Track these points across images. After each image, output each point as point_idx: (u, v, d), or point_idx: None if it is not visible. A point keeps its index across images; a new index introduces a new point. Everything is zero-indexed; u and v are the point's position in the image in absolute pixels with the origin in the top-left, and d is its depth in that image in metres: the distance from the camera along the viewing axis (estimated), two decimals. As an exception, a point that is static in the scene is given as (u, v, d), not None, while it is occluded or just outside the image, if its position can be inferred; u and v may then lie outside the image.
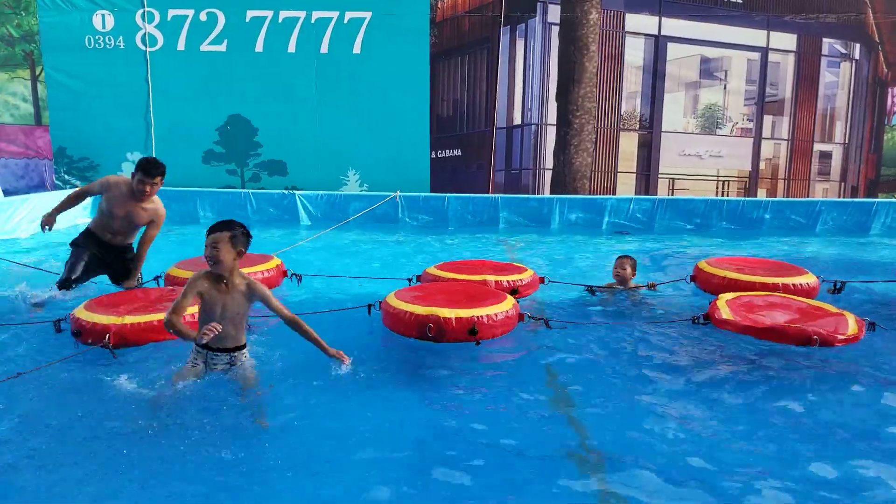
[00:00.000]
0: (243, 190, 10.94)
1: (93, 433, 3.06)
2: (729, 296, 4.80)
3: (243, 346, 3.69)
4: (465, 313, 4.16)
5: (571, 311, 5.33)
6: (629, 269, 5.77)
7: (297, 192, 10.66)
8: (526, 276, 5.49)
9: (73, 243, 5.55)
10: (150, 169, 5.27)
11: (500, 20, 13.01)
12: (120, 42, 10.91)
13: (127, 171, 11.23)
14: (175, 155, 11.15)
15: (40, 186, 11.70)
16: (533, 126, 15.45)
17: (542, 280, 5.75)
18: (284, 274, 5.80)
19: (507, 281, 5.31)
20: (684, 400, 3.63)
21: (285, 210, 10.57)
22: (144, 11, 10.83)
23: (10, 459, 2.84)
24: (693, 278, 5.89)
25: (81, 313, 4.21)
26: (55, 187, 11.18)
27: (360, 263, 7.40)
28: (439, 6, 13.00)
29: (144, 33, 10.91)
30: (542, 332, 4.65)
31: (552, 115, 14.18)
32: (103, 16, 10.82)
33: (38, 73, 11.52)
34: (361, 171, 11.33)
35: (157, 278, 5.72)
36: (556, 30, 13.89)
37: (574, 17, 12.54)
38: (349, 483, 2.74)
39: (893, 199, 11.16)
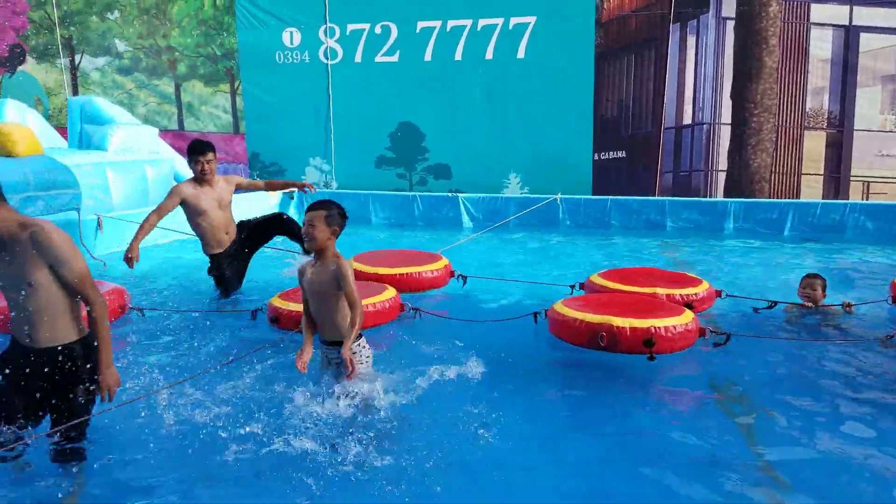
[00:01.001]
0: (411, 193, 11.48)
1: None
2: None
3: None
4: (640, 323, 4.03)
5: (754, 329, 4.93)
6: (819, 290, 5.21)
7: (460, 194, 11.02)
8: (702, 290, 5.16)
9: (213, 273, 5.84)
10: (198, 147, 5.57)
11: (670, 17, 12.57)
12: (305, 56, 11.91)
13: (310, 175, 12.24)
14: (351, 160, 12.02)
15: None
16: (705, 126, 14.74)
17: (718, 293, 5.38)
18: (451, 274, 6.04)
19: (681, 294, 5.00)
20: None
21: (449, 212, 10.96)
22: (327, 27, 11.74)
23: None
24: (894, 299, 5.31)
25: (278, 302, 4.75)
26: (248, 190, 12.42)
27: (520, 266, 7.48)
28: (605, 6, 12.82)
29: (326, 48, 11.82)
30: (725, 351, 4.37)
31: (726, 114, 13.45)
32: (291, 33, 11.86)
33: (236, 86, 12.86)
34: (523, 173, 11.47)
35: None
36: (730, 24, 13.15)
37: (751, 10, 11.83)
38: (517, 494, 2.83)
39: None
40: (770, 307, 5.29)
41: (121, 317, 5.09)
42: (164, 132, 12.77)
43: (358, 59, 11.76)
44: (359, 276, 5.70)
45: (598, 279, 5.46)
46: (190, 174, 5.71)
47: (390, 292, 5.06)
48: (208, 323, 5.14)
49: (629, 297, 4.85)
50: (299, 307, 4.56)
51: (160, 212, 5.45)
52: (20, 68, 14.44)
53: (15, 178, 6.56)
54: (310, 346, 3.55)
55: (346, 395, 3.38)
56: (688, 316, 4.25)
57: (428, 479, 2.83)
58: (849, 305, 5.26)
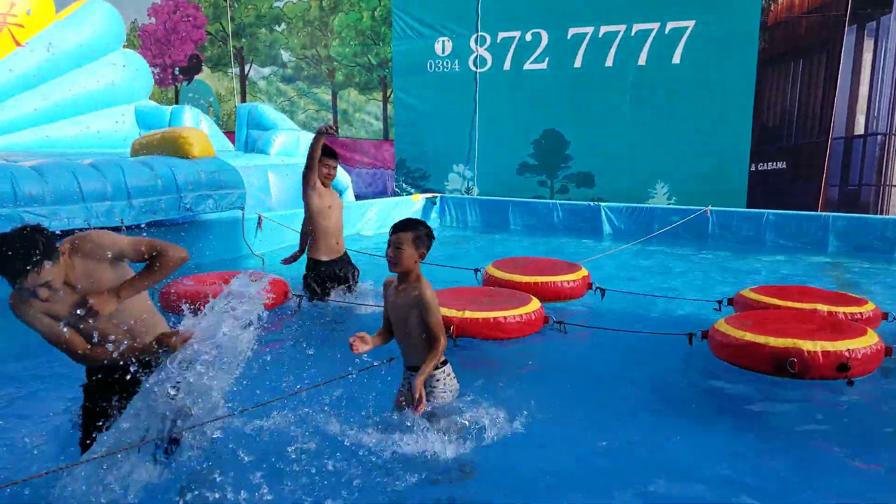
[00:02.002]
0: (551, 200, 11.41)
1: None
2: None
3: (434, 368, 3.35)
4: (832, 346, 3.75)
5: None
6: None
7: (601, 203, 10.80)
8: (866, 310, 4.79)
9: (308, 281, 5.76)
10: (330, 152, 5.79)
11: (846, 19, 11.59)
12: (455, 65, 12.18)
13: (453, 180, 12.50)
14: (493, 167, 12.15)
15: (383, 193, 13.62)
16: (879, 136, 13.43)
17: (885, 316, 4.95)
18: (590, 286, 5.93)
19: (843, 313, 4.68)
20: None
21: (589, 221, 10.78)
22: (478, 36, 11.94)
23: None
24: None
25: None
26: (394, 194, 12.92)
27: (662, 280, 7.24)
28: (772, 9, 12.03)
29: (476, 56, 12.03)
30: None
31: (906, 124, 12.18)
32: (443, 42, 12.19)
33: (388, 94, 13.41)
34: (670, 183, 11.04)
35: (476, 271, 6.35)
36: (917, 25, 11.89)
37: (943, 9, 10.64)
38: None
39: None
40: None
41: (283, 303, 5.49)
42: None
43: (507, 66, 11.85)
44: (494, 282, 5.77)
45: (749, 294, 5.17)
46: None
47: (535, 304, 5.00)
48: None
49: (793, 313, 4.55)
50: (448, 312, 4.67)
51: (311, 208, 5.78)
52: (196, 77, 15.94)
53: (190, 177, 7.26)
54: (373, 341, 3.33)
55: (415, 427, 3.17)
56: (873, 336, 3.94)
57: None
58: None
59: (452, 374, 3.40)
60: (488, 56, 11.96)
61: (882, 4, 13.16)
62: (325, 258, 5.76)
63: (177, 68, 16.05)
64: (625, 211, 10.61)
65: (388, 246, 3.31)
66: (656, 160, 11.04)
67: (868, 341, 3.84)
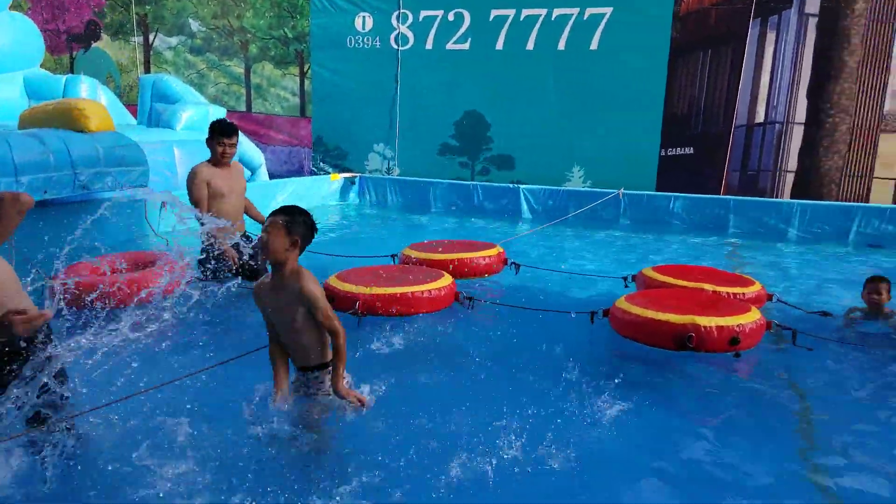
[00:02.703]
0: (472, 182, 11.51)
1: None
2: None
3: (321, 367, 3.16)
4: (724, 322, 3.98)
5: (813, 330, 4.83)
6: (885, 294, 5.03)
7: (521, 185, 10.98)
8: (752, 291, 5.09)
9: (203, 262, 5.07)
10: (225, 129, 5.20)
11: (751, 12, 12.17)
12: (376, 42, 12.03)
13: (373, 160, 12.39)
14: (414, 147, 12.12)
15: (299, 172, 13.34)
16: (777, 125, 14.22)
17: (769, 297, 5.31)
18: (505, 262, 6.08)
19: (729, 293, 4.96)
20: None
21: (509, 203, 10.94)
22: (400, 13, 11.81)
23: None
24: None
25: (335, 282, 4.87)
26: (311, 173, 12.69)
27: (577, 259, 7.48)
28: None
29: (398, 33, 11.91)
30: (786, 349, 4.38)
31: (800, 114, 12.96)
32: (364, 18, 11.99)
33: (305, 70, 13.09)
34: (586, 167, 11.33)
35: (393, 256, 6.31)
36: (813, 21, 12.64)
37: (836, 8, 11.36)
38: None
39: None
40: (823, 315, 5.23)
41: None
42: (231, 113, 13.10)
43: (429, 45, 11.80)
44: (412, 261, 5.81)
45: (650, 273, 5.44)
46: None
47: (446, 279, 5.07)
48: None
49: (688, 292, 4.81)
50: (355, 289, 4.68)
51: (202, 206, 5.15)
52: (94, 45, 15.00)
53: (86, 152, 6.82)
54: (284, 380, 3.14)
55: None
56: (756, 314, 4.22)
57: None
58: None
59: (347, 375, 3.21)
60: (410, 34, 11.86)
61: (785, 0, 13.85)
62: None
63: (70, 35, 15.05)
64: (543, 193, 10.82)
65: (262, 229, 3.04)
66: (573, 144, 11.29)
67: (753, 317, 4.11)
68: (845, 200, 12.91)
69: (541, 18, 11.22)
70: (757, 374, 4.20)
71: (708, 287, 5.00)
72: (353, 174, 11.88)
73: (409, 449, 2.97)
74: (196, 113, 10.09)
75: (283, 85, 13.46)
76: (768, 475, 2.96)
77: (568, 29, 11.14)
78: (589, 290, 5.93)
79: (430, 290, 4.82)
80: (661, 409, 3.61)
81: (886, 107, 14.75)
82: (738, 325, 3.97)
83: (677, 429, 3.42)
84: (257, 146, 11.22)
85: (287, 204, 3.15)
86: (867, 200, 13.90)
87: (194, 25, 14.18)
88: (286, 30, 13.23)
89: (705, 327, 3.93)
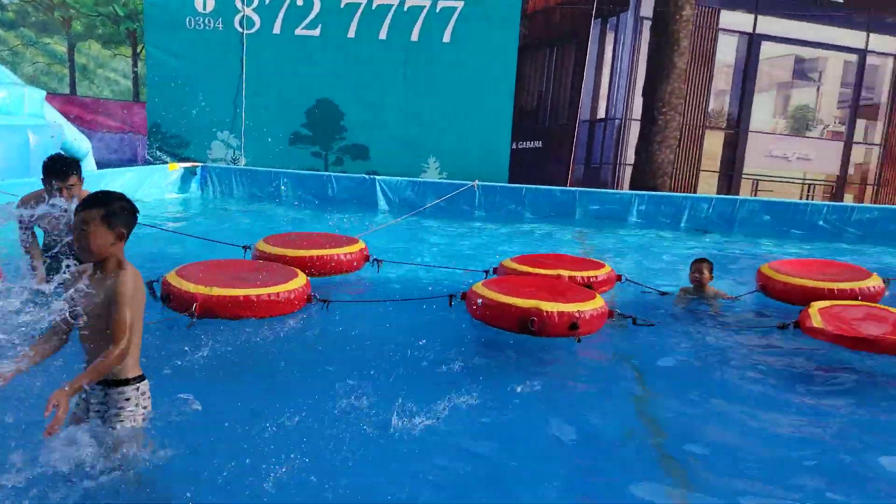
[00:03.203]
0: (326, 173, 11.15)
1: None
2: (821, 304, 4.68)
3: (124, 382, 2.61)
4: (565, 308, 4.12)
5: (650, 312, 5.22)
6: (706, 273, 5.62)
7: (377, 176, 10.79)
8: (602, 273, 5.43)
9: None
10: (55, 170, 4.12)
11: (592, 13, 12.78)
12: (219, 24, 11.28)
13: (217, 149, 11.64)
14: (263, 136, 11.52)
15: (133, 161, 12.24)
16: (616, 121, 15.14)
17: (619, 278, 5.65)
18: (367, 258, 5.84)
19: (583, 276, 5.25)
20: (775, 408, 3.60)
21: (365, 194, 10.71)
22: (243, -6, 11.15)
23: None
24: (763, 287, 5.70)
25: (173, 279, 4.35)
26: (146, 162, 11.68)
27: (437, 252, 7.45)
28: (530, -3, 12.88)
29: (243, 16, 11.24)
30: (628, 332, 4.64)
31: (637, 111, 13.86)
32: (204, -3, 11.20)
33: (139, 51, 12.02)
34: (442, 159, 11.38)
35: (245, 248, 5.86)
36: (648, 24, 13.53)
37: (667, 12, 12.20)
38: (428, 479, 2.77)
39: None
40: (663, 295, 5.71)
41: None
42: (53, 95, 11.75)
43: (277, 30, 11.26)
44: (267, 258, 5.40)
45: (510, 263, 5.54)
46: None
47: (299, 280, 4.65)
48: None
49: (541, 279, 4.95)
50: (194, 288, 4.17)
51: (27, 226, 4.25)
52: None
53: None
54: (30, 362, 2.51)
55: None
56: (600, 300, 4.40)
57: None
58: (729, 297, 5.72)
59: (148, 394, 2.70)
60: (256, 17, 11.25)
61: (622, 2, 14.72)
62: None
63: None
64: (399, 185, 10.70)
65: (74, 228, 2.55)
66: (429, 136, 11.29)
67: (595, 304, 4.29)
68: (677, 191, 14.01)
69: (393, 8, 11.10)
70: (597, 354, 4.45)
71: (565, 273, 5.21)
72: (195, 164, 11.06)
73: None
74: (8, 95, 8.89)
75: (112, 66, 12.28)
76: (613, 437, 3.15)
77: (421, 20, 11.11)
78: (450, 282, 5.88)
79: (278, 293, 4.36)
80: (506, 391, 3.63)
81: (710, 105, 16.22)
82: (577, 312, 4.12)
83: (520, 406, 3.47)
84: (83, 132, 10.12)
85: (98, 191, 2.65)
86: (695, 191, 15.21)
87: (4, -5, 12.57)
88: (116, 6, 12.07)
89: (547, 312, 4.05)
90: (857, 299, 5.06)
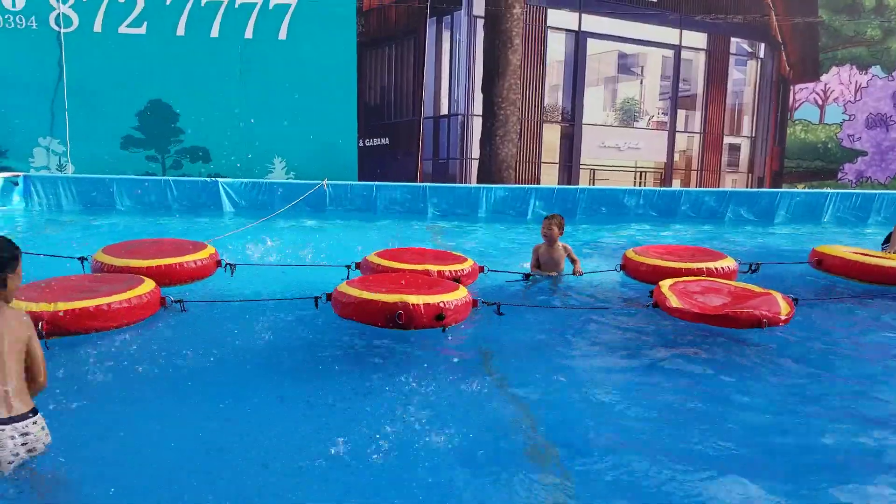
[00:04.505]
0: (164, 177, 10.62)
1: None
2: (669, 282, 4.98)
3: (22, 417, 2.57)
4: (431, 299, 4.18)
5: (515, 299, 5.46)
6: (556, 229, 6.06)
7: (220, 179, 10.44)
8: (467, 266, 5.58)
9: None
10: None
11: (427, 11, 13.10)
12: (32, 22, 10.37)
13: (38, 156, 10.73)
14: (91, 140, 10.77)
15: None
16: (459, 116, 15.60)
17: (481, 269, 5.82)
18: (218, 263, 5.63)
19: (450, 270, 5.35)
20: (639, 385, 3.83)
21: (208, 198, 10.33)
22: (57, -10, 10.33)
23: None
24: (623, 267, 6.15)
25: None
26: (-42, 173, 10.51)
27: (291, 252, 7.32)
28: (366, -6, 12.94)
29: (58, 13, 10.41)
30: (494, 319, 4.75)
31: (479, 107, 14.39)
32: (12, -7, 10.25)
33: (-62, 51, 10.77)
34: (288, 158, 11.21)
35: (82, 260, 5.48)
36: (481, 22, 14.08)
37: (498, 11, 12.78)
38: (304, 480, 2.77)
39: (795, 189, 11.98)
40: (526, 278, 5.98)
41: None
42: None
43: (98, 28, 10.53)
44: (109, 269, 5.12)
45: (374, 258, 5.58)
46: None
47: (148, 285, 4.51)
48: None
49: (406, 274, 5.01)
50: (37, 306, 3.93)
51: None
52: None
53: None
54: None
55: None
56: (464, 290, 4.54)
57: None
58: (579, 273, 6.14)
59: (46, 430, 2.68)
60: (73, 15, 10.47)
61: (455, 1, 15.17)
62: None
63: None
64: (244, 186, 10.42)
65: None
66: (272, 135, 11.07)
67: (459, 294, 4.44)
68: (521, 183, 14.71)
69: (224, 5, 10.77)
70: (464, 342, 4.58)
71: (431, 268, 5.30)
72: (16, 173, 10.13)
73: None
74: None
75: None
76: (482, 426, 3.27)
77: (254, 18, 10.86)
78: (312, 281, 5.82)
79: (129, 299, 4.21)
80: (380, 386, 3.71)
81: (546, 100, 17.16)
82: (442, 302, 4.23)
83: (392, 399, 3.56)
84: None
85: None
86: (538, 182, 16.04)
87: None
88: None
89: (413, 305, 4.13)
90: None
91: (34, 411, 2.62)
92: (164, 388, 3.58)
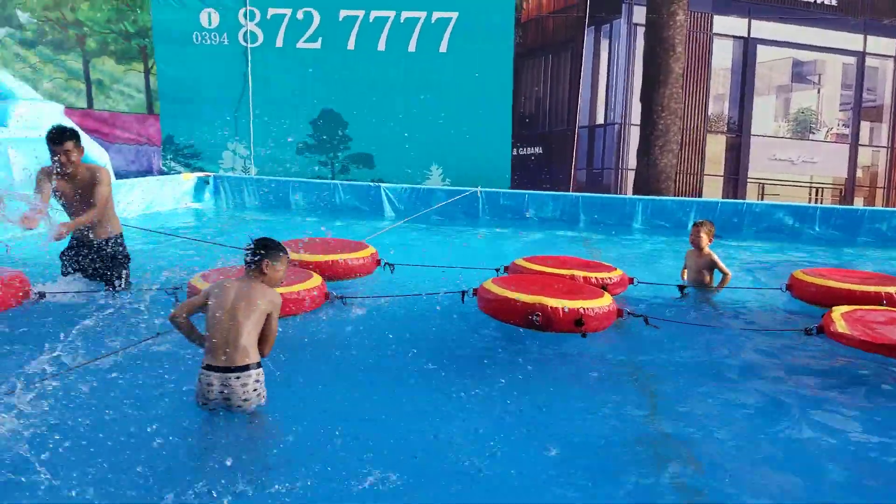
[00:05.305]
0: (332, 181, 11.43)
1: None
2: (843, 309, 4.62)
3: (245, 367, 3.13)
4: (571, 304, 4.25)
5: (664, 312, 5.27)
6: (704, 236, 5.89)
7: (382, 184, 11.07)
8: (615, 275, 5.51)
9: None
10: (52, 137, 4.95)
11: (585, 21, 13.07)
12: (224, 38, 11.61)
13: (227, 159, 11.96)
14: (271, 146, 11.83)
15: (148, 171, 12.57)
16: (616, 126, 15.40)
17: (631, 280, 5.70)
18: (378, 262, 6.05)
19: (596, 278, 5.32)
20: (791, 414, 3.52)
21: (371, 201, 10.98)
22: (247, 10, 11.48)
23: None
24: (789, 287, 5.79)
25: (199, 283, 4.65)
26: (161, 172, 12.01)
27: (444, 255, 7.61)
28: (524, 6, 13.17)
29: (246, 31, 11.57)
30: (639, 330, 4.67)
31: (636, 116, 14.11)
32: (209, 13, 11.54)
33: (150, 65, 12.35)
34: (444, 166, 11.65)
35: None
36: (641, 30, 13.80)
37: (660, 19, 12.47)
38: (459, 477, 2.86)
39: None
40: (681, 290, 5.78)
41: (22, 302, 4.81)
42: (71, 110, 12.08)
43: (279, 43, 11.58)
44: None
45: (522, 262, 5.70)
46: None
47: (316, 279, 4.95)
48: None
49: (552, 278, 5.10)
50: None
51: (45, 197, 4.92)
52: None
53: None
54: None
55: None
56: (608, 298, 4.55)
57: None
58: (721, 285, 5.93)
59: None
60: (259, 31, 11.58)
61: (614, 10, 15.01)
62: (74, 241, 5.30)
63: None
64: (404, 192, 10.97)
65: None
66: (430, 144, 11.56)
67: (601, 302, 4.44)
68: (681, 196, 14.22)
69: (390, 20, 11.40)
70: (605, 351, 4.46)
71: (578, 273, 5.33)
72: (207, 174, 11.39)
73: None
74: (29, 110, 9.24)
75: (126, 81, 12.60)
76: (612, 438, 3.22)
77: (417, 31, 11.40)
78: (462, 282, 6.00)
79: (298, 292, 4.64)
80: (518, 387, 3.77)
81: (710, 110, 16.46)
82: (583, 308, 4.26)
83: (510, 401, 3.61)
84: (101, 144, 10.45)
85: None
86: (700, 195, 15.39)
87: (23, 17, 12.90)
88: (126, 24, 12.40)
89: (551, 307, 4.21)
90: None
91: (258, 364, 3.16)
92: (333, 374, 3.93)
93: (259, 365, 3.17)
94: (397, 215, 10.67)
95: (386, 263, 6.04)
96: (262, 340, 3.20)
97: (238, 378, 3.07)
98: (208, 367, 3.07)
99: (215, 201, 11.21)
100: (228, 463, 2.75)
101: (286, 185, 11.16)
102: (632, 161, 13.92)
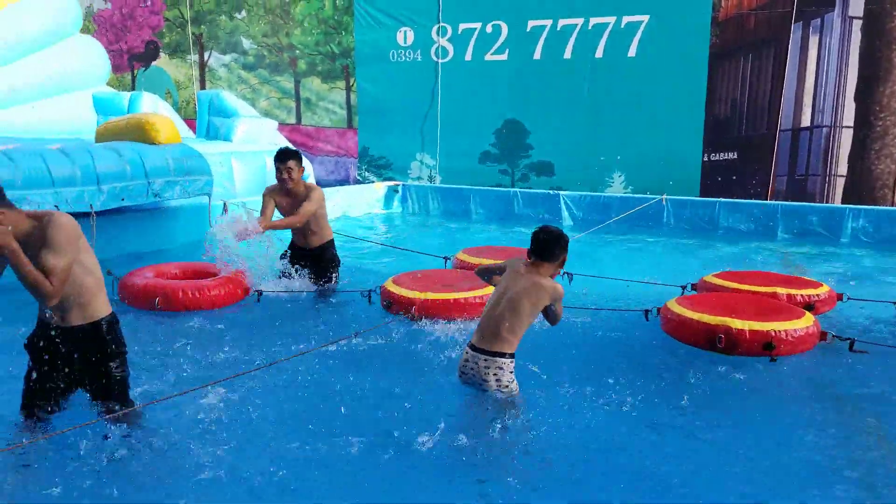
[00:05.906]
0: (512, 189, 11.62)
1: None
2: None
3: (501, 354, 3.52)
4: (760, 326, 4.02)
5: (880, 335, 4.72)
6: None
7: (561, 192, 11.05)
8: (822, 292, 5.07)
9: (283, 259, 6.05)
10: (279, 156, 5.72)
11: (792, 16, 12.09)
12: (417, 55, 12.30)
13: (415, 169, 12.64)
14: (455, 156, 12.31)
15: (345, 181, 13.62)
16: (824, 129, 14.03)
17: (839, 297, 5.25)
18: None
19: (801, 295, 4.94)
20: None
21: (549, 209, 11.00)
22: (439, 27, 12.06)
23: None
24: None
25: (391, 287, 5.07)
26: (356, 182, 12.98)
27: (625, 266, 7.39)
28: (723, 5, 12.46)
29: (438, 46, 12.16)
30: (846, 356, 4.26)
31: (848, 117, 12.79)
32: (405, 32, 12.28)
33: (351, 84, 13.40)
34: (627, 172, 11.37)
35: (445, 259, 6.48)
36: (857, 24, 12.48)
37: (881, 10, 11.22)
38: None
39: None
40: None
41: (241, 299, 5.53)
42: (283, 125, 13.50)
43: (468, 57, 12.01)
44: (465, 266, 5.95)
45: (713, 279, 5.42)
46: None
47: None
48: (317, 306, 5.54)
49: (747, 296, 4.80)
50: (411, 293, 4.86)
51: (264, 216, 5.73)
52: (154, 63, 15.63)
53: (157, 163, 7.22)
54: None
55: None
56: (808, 319, 4.20)
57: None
58: None
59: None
60: (450, 47, 12.09)
61: (826, 3, 13.71)
62: (290, 249, 6.14)
63: (132, 55, 15.74)
64: (583, 199, 10.87)
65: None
66: (613, 150, 11.35)
67: (799, 323, 4.08)
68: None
69: (577, 28, 11.35)
70: (800, 379, 4.04)
71: (780, 290, 4.98)
72: (397, 182, 12.14)
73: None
74: (250, 126, 10.47)
75: (330, 98, 13.78)
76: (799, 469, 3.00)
77: (605, 37, 11.24)
78: (644, 297, 5.79)
79: (481, 297, 4.91)
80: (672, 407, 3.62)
81: (937, 108, 14.47)
82: (774, 331, 3.96)
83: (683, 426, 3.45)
84: (306, 156, 11.52)
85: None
86: (921, 204, 13.58)
87: (246, 44, 14.65)
88: (332, 46, 13.56)
89: (736, 330, 3.95)
90: None
91: (511, 356, 3.52)
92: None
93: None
94: (576, 223, 10.60)
95: (565, 273, 5.96)
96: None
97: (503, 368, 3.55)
98: None
99: (403, 208, 11.90)
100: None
101: (467, 194, 11.54)
102: (842, 167, 12.62)
